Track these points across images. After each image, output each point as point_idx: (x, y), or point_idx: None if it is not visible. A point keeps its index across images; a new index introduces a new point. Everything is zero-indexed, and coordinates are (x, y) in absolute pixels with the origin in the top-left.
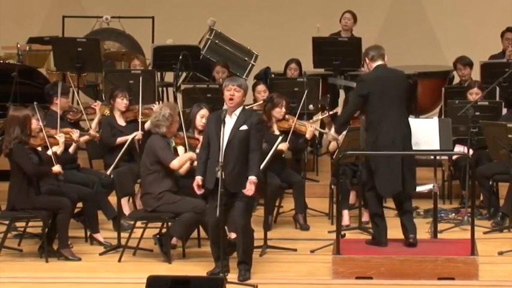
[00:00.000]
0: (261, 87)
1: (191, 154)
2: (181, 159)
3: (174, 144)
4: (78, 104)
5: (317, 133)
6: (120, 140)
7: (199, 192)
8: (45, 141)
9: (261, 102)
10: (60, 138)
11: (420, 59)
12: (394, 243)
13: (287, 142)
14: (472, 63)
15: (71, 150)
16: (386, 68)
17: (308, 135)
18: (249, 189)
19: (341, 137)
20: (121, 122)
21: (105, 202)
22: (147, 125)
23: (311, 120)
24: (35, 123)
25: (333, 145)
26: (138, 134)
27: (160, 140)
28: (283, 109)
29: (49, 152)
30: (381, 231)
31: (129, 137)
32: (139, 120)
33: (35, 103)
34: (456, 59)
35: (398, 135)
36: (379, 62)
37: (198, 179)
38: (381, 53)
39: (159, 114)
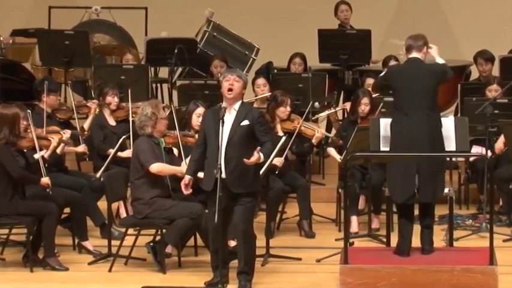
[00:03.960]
0: (260, 80)
1: (182, 169)
2: (165, 168)
3: (164, 144)
4: (72, 101)
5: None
6: (111, 151)
7: (186, 192)
8: (34, 143)
9: (262, 96)
10: (53, 141)
11: None
12: None
13: (290, 145)
14: (493, 58)
15: (58, 151)
16: (419, 62)
17: (315, 141)
18: (252, 159)
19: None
20: (111, 121)
21: (93, 207)
22: None
23: (316, 116)
24: (25, 125)
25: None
26: (127, 153)
27: (145, 142)
28: (288, 108)
29: (36, 156)
30: (404, 238)
31: (115, 150)
32: (131, 119)
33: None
34: (476, 53)
35: (420, 135)
36: (413, 55)
37: (187, 178)
38: (418, 44)
39: (141, 114)
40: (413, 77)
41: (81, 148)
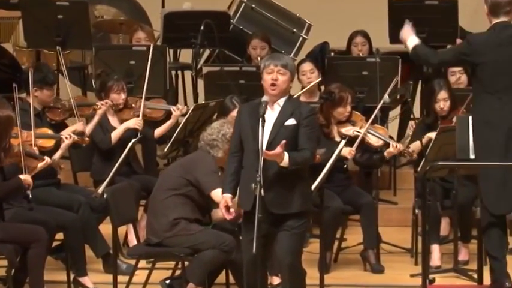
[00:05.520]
0: (306, 65)
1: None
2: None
3: None
4: (70, 98)
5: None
6: (115, 135)
7: (229, 216)
8: (21, 159)
9: (310, 85)
10: (42, 163)
11: None
12: None
13: (353, 150)
14: None
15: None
16: (509, 28)
17: (387, 155)
18: (271, 152)
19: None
20: (115, 123)
21: (94, 232)
22: (157, 132)
23: (387, 124)
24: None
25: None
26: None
27: (213, 163)
28: (348, 108)
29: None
30: (501, 267)
31: (125, 125)
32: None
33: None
34: None
35: None
36: (503, 19)
37: (227, 197)
38: (508, 6)
39: (218, 131)
40: (504, 49)
41: (80, 126)
